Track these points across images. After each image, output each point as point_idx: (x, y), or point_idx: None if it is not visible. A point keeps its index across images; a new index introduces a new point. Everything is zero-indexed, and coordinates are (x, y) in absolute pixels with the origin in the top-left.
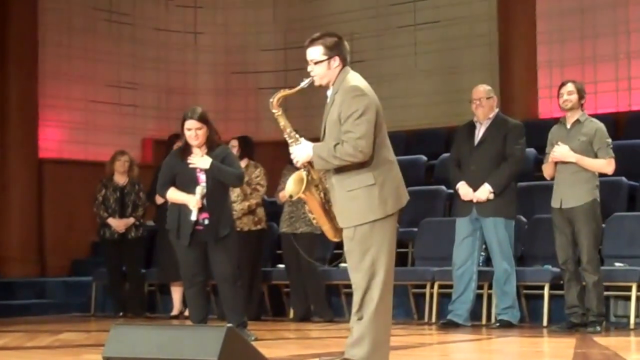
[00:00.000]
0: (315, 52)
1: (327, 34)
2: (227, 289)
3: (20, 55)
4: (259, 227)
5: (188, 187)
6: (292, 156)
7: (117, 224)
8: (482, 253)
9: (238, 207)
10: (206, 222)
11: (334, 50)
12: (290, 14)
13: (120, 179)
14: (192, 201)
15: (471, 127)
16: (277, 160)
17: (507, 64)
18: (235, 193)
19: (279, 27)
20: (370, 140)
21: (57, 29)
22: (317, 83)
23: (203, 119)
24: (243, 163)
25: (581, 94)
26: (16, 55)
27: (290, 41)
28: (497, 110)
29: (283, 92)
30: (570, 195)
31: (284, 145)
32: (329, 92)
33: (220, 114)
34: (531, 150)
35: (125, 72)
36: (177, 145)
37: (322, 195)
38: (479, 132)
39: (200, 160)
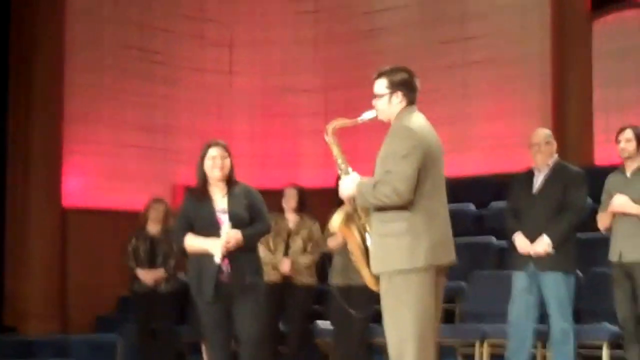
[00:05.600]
0: (379, 85)
1: (396, 68)
2: (249, 351)
3: (45, 97)
4: (313, 280)
5: (208, 231)
6: (339, 189)
7: (145, 275)
8: None
9: (303, 260)
10: (229, 270)
11: (398, 86)
12: (332, 53)
13: (153, 228)
14: (217, 246)
15: (529, 174)
16: (318, 208)
17: (561, 106)
18: (296, 244)
19: (319, 67)
20: (410, 184)
21: (85, 68)
22: (379, 117)
23: (227, 149)
24: (298, 215)
25: None
26: (41, 97)
27: (331, 82)
28: (556, 156)
29: (341, 121)
30: (631, 247)
31: (326, 193)
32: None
33: (257, 159)
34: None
35: (157, 115)
36: None
37: (362, 236)
38: (538, 180)
39: (232, 234)
